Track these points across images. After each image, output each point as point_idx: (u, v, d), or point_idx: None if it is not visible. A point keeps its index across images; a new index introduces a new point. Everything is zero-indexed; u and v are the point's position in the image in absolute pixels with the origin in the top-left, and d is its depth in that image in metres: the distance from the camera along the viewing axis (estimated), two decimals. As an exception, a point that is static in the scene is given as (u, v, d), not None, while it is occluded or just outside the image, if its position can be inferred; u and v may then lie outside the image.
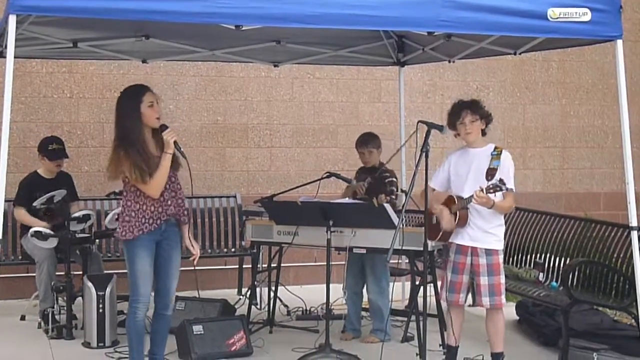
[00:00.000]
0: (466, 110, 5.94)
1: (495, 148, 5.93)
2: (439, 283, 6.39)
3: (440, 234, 5.99)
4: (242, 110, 9.72)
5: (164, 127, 5.64)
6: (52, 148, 7.78)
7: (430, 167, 5.84)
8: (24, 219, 7.73)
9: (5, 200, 5.19)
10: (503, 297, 5.94)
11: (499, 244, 5.93)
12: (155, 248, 5.68)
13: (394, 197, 6.99)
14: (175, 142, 5.60)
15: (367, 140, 7.27)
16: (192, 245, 5.83)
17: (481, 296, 5.91)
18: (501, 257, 5.94)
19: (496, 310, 5.96)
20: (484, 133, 6.02)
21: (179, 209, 5.74)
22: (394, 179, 7.13)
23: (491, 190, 5.63)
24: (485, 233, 5.89)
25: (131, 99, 5.64)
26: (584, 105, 10.92)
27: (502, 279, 5.94)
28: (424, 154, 5.80)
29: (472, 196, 5.71)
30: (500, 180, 5.63)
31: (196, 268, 5.94)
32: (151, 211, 5.60)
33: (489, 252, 5.89)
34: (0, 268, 8.27)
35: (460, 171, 5.99)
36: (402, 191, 7.48)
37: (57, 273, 7.55)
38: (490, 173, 5.79)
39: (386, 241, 6.08)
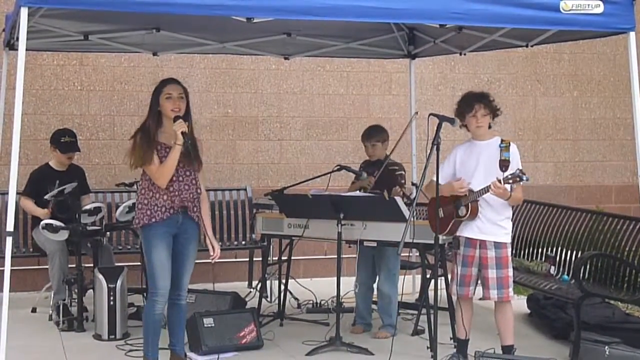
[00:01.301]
0: (479, 104, 5.93)
1: (502, 140, 5.91)
2: (449, 276, 6.38)
3: (449, 227, 5.98)
4: (253, 102, 9.71)
5: (176, 119, 5.67)
6: (64, 141, 7.79)
7: (441, 160, 5.83)
8: (28, 208, 7.75)
9: (16, 193, 5.21)
10: (511, 290, 5.93)
11: (507, 237, 5.93)
12: (172, 241, 5.71)
13: (404, 189, 6.96)
14: (183, 134, 5.60)
15: (372, 134, 7.24)
16: (212, 245, 5.82)
17: (489, 289, 5.91)
18: (509, 251, 5.94)
19: (505, 302, 5.96)
20: (489, 126, 6.01)
21: (192, 206, 5.76)
22: (403, 172, 7.11)
23: (510, 181, 5.62)
24: (495, 225, 5.88)
25: (155, 90, 5.77)
26: (596, 97, 10.87)
27: (510, 272, 5.94)
28: (435, 147, 5.79)
29: (487, 188, 5.70)
30: (520, 171, 5.62)
31: (207, 261, 5.94)
32: (164, 200, 5.66)
33: (497, 245, 5.89)
34: (12, 260, 8.27)
35: (467, 164, 5.97)
36: (413, 184, 7.46)
37: (69, 265, 7.56)
38: (504, 164, 5.77)
39: (397, 234, 6.08)
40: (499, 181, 5.65)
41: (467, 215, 5.88)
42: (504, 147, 5.85)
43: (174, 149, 5.62)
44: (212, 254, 5.83)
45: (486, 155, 5.90)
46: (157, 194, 5.66)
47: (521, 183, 5.69)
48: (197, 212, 5.79)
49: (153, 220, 5.63)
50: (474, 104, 5.93)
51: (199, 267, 6.07)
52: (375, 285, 7.22)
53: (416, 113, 6.05)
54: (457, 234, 6.00)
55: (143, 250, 5.76)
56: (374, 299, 7.40)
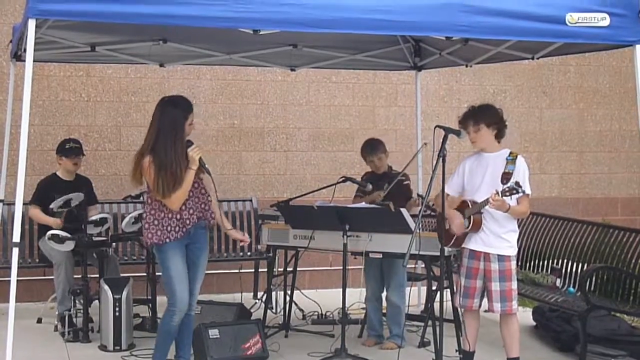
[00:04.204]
0: (470, 120, 5.96)
1: (511, 153, 5.91)
2: (455, 288, 6.37)
3: (454, 239, 5.98)
4: (259, 114, 9.73)
5: (189, 143, 5.68)
6: (69, 146, 7.83)
7: (447, 172, 5.83)
8: (37, 217, 7.78)
9: (23, 203, 5.21)
10: (514, 302, 5.91)
11: (511, 250, 5.91)
12: (185, 250, 5.73)
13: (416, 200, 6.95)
14: (200, 159, 5.65)
15: (375, 147, 7.17)
16: (238, 234, 6.06)
17: (492, 302, 5.91)
18: (513, 263, 5.92)
19: (510, 315, 5.95)
20: (499, 137, 5.98)
21: (204, 213, 5.78)
22: (409, 182, 7.12)
23: (507, 193, 5.61)
24: (499, 238, 5.87)
25: (181, 111, 5.66)
26: (602, 109, 10.87)
27: (514, 285, 5.92)
28: (441, 158, 5.79)
29: (487, 200, 5.70)
30: (517, 183, 5.61)
31: (213, 272, 5.94)
32: (177, 219, 5.65)
33: (501, 258, 5.88)
34: (18, 271, 8.29)
35: (474, 176, 5.98)
36: (419, 196, 7.46)
37: (74, 276, 7.56)
38: (506, 177, 5.78)
39: (403, 246, 6.06)
40: (497, 193, 5.65)
41: (470, 227, 5.88)
42: (511, 159, 5.86)
43: (188, 173, 5.61)
44: (244, 239, 6.05)
45: (493, 168, 5.90)
46: (170, 213, 5.63)
47: (517, 196, 5.67)
48: (210, 217, 5.82)
49: (167, 240, 5.63)
50: (465, 121, 5.98)
51: (205, 278, 6.06)
52: (383, 296, 7.21)
53: (425, 144, 6.07)
54: (463, 245, 6.00)
55: (159, 262, 5.76)
56: (383, 311, 7.39)
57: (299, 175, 9.82)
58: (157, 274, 6.99)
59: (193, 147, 5.66)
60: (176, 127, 5.59)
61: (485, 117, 5.94)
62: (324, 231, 6.76)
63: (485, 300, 6.02)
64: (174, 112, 5.63)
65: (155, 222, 5.63)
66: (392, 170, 7.18)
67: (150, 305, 7.53)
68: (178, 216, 5.64)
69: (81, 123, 9.19)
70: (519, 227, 6.12)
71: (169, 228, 5.62)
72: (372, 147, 7.20)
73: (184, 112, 5.66)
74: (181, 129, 5.61)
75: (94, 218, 7.48)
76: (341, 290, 6.59)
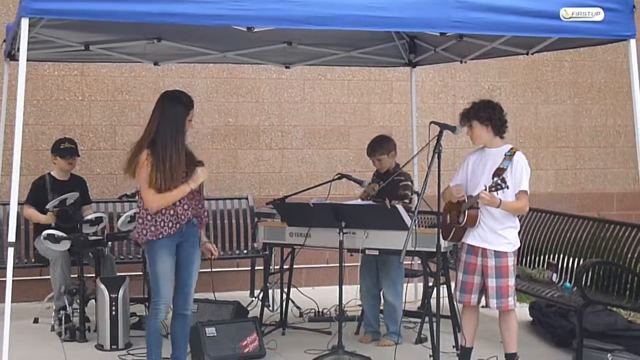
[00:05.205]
0: (464, 117, 6.00)
1: (511, 149, 5.91)
2: (452, 284, 6.38)
3: (452, 233, 5.99)
4: (254, 111, 9.72)
5: (200, 164, 5.70)
6: (64, 147, 7.83)
7: (443, 168, 5.83)
8: (31, 216, 7.78)
9: (18, 203, 5.21)
10: (511, 299, 5.92)
11: (508, 247, 5.91)
12: (176, 249, 5.70)
13: (407, 201, 6.93)
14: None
15: (375, 148, 7.16)
16: (209, 247, 5.93)
17: (489, 298, 5.92)
18: (511, 260, 5.91)
19: (507, 311, 5.96)
20: (498, 133, 5.98)
21: (198, 210, 5.78)
22: (409, 183, 7.07)
23: (493, 189, 5.63)
24: (496, 234, 5.88)
25: (183, 107, 5.64)
26: (597, 104, 10.88)
27: (511, 282, 5.92)
28: (436, 154, 5.80)
29: (478, 195, 5.71)
30: (502, 179, 5.62)
31: (211, 270, 5.94)
32: (170, 214, 5.62)
33: (497, 254, 5.88)
34: (14, 271, 8.27)
35: (476, 171, 5.99)
36: (415, 192, 7.45)
37: (71, 275, 7.55)
38: (497, 172, 5.78)
39: (399, 242, 6.08)
40: (485, 189, 5.66)
41: (465, 221, 5.89)
42: (508, 155, 5.87)
43: (184, 188, 5.58)
44: (214, 253, 5.93)
45: (491, 163, 5.90)
46: (163, 209, 5.60)
47: (502, 191, 5.67)
48: (204, 215, 5.82)
49: (160, 236, 5.60)
50: (461, 119, 6.02)
51: (200, 276, 6.06)
52: (381, 293, 7.22)
53: (431, 123, 6.11)
54: (462, 240, 6.01)
55: (147, 259, 5.74)
56: (381, 308, 7.40)
57: (294, 172, 9.82)
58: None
59: (203, 169, 5.68)
60: (178, 122, 5.58)
61: (476, 114, 5.95)
62: (320, 228, 6.76)
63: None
64: (176, 107, 5.61)
65: (149, 218, 5.61)
66: (396, 169, 7.14)
67: (147, 304, 7.52)
68: (172, 211, 5.61)
69: (76, 122, 9.17)
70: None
71: (162, 224, 5.60)
72: (372, 148, 7.20)
73: (186, 107, 5.65)
74: (183, 124, 5.60)
75: (89, 217, 7.48)
76: (338, 287, 6.59)
